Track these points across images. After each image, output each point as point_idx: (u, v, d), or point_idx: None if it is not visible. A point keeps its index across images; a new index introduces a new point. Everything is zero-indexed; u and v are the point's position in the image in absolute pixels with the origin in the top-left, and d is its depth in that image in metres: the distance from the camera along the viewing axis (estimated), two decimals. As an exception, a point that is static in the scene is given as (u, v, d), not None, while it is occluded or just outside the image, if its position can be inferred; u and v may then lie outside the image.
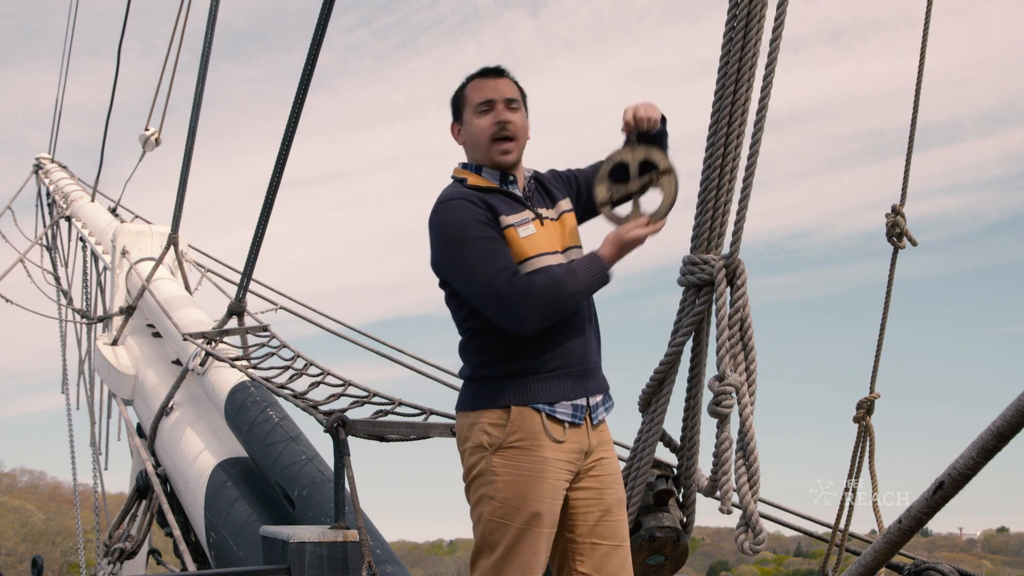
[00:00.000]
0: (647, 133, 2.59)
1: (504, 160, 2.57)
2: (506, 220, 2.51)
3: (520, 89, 2.66)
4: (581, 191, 2.75)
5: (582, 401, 2.51)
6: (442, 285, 2.61)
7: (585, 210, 2.76)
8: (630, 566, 2.55)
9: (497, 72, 2.62)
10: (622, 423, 2.65)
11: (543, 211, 2.61)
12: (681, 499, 2.81)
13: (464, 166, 2.65)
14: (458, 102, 2.65)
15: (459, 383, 2.63)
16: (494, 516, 2.41)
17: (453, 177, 2.64)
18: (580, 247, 2.65)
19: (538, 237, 2.53)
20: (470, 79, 2.64)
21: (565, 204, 2.68)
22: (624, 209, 2.62)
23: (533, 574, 2.41)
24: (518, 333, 2.43)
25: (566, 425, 2.46)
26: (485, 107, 2.57)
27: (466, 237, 2.45)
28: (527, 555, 2.39)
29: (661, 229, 2.53)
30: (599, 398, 2.57)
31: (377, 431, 3.75)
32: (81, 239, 9.06)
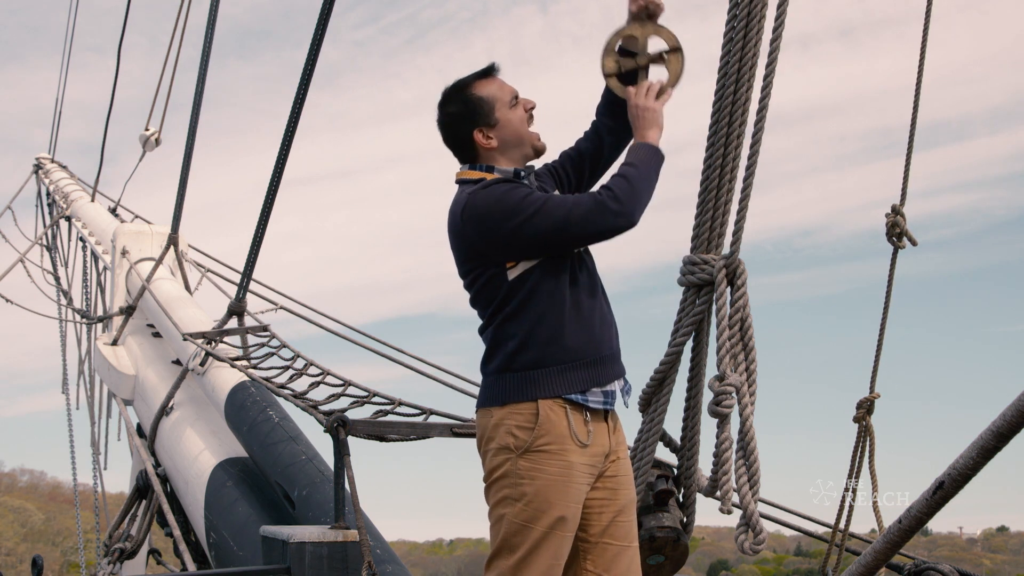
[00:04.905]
0: (653, 14, 2.65)
1: (542, 145, 2.64)
2: None
3: None
4: (562, 176, 2.80)
5: (611, 387, 2.52)
6: (469, 285, 2.56)
7: (571, 186, 2.81)
8: (638, 566, 2.55)
9: (497, 69, 2.65)
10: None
11: None
12: (681, 499, 2.81)
13: (472, 168, 2.60)
14: (477, 108, 2.59)
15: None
16: (518, 518, 2.39)
17: (466, 180, 2.59)
18: None
19: None
20: (474, 83, 2.61)
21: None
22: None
23: None
24: (628, 228, 2.47)
25: (589, 425, 2.46)
26: (515, 101, 2.61)
27: (521, 195, 2.45)
28: (548, 558, 2.38)
29: (667, 102, 2.61)
30: (620, 383, 2.59)
31: (377, 431, 3.76)
32: (81, 239, 9.06)
